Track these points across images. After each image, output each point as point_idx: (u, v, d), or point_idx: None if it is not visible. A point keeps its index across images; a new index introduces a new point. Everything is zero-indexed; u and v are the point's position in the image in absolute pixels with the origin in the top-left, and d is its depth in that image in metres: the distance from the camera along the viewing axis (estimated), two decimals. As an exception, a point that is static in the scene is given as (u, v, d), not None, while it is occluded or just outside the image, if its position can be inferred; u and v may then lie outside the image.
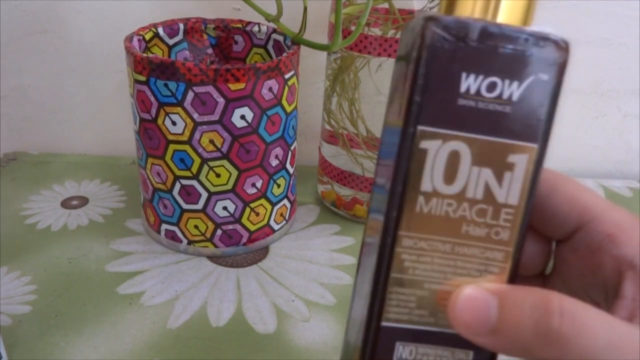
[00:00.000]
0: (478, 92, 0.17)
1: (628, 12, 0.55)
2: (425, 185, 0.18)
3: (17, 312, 0.37)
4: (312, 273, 0.43)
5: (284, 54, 0.40)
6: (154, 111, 0.39)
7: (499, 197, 0.18)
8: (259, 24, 0.46)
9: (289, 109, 0.42)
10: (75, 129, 0.60)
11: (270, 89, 0.39)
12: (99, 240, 0.45)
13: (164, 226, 0.44)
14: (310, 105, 0.58)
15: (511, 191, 0.18)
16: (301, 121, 0.58)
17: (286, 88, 0.41)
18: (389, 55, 0.42)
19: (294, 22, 0.44)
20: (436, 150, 0.18)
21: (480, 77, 0.17)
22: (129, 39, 0.41)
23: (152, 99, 0.39)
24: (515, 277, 0.19)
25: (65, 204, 0.50)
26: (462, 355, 0.19)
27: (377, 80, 0.43)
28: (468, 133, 0.17)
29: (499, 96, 0.17)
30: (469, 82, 0.17)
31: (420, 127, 0.17)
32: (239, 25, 0.47)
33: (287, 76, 0.41)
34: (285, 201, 0.46)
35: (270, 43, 0.46)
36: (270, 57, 0.47)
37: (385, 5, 0.41)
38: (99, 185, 0.53)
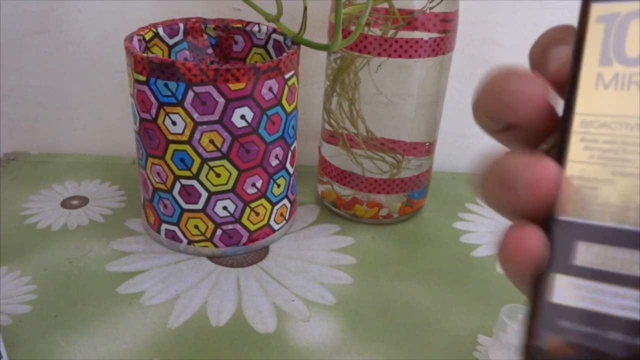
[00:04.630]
0: None
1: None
2: (604, 60, 0.16)
3: (17, 312, 0.37)
4: (312, 273, 0.43)
5: (284, 54, 0.40)
6: (154, 111, 0.39)
7: None
8: (259, 24, 0.46)
9: (289, 109, 0.42)
10: (75, 129, 0.60)
11: (270, 89, 0.39)
12: (99, 240, 0.45)
13: (164, 226, 0.44)
14: (310, 105, 0.58)
15: None
16: (301, 121, 0.58)
17: (286, 88, 0.41)
18: (389, 55, 0.42)
19: (294, 22, 0.44)
20: (613, 21, 0.16)
21: None
22: (129, 39, 0.41)
23: (152, 99, 0.39)
24: None
25: (65, 204, 0.50)
26: None
27: (377, 80, 0.43)
28: None
29: None
30: None
31: (593, 3, 0.16)
32: (239, 25, 0.47)
33: (287, 76, 0.41)
34: (285, 201, 0.46)
35: (270, 43, 0.46)
36: (270, 57, 0.47)
37: (385, 5, 0.41)
38: (99, 185, 0.53)
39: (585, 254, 0.16)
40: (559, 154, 0.16)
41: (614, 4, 0.16)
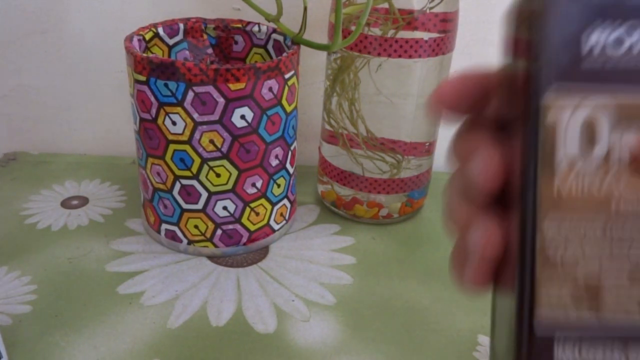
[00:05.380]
0: (603, 50, 0.15)
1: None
2: (560, 160, 0.16)
3: (17, 312, 0.38)
4: (312, 273, 0.43)
5: (284, 54, 0.40)
6: (154, 111, 0.39)
7: None
8: (259, 24, 0.46)
9: (289, 109, 0.42)
10: (75, 129, 0.60)
11: (270, 89, 0.39)
12: (99, 240, 0.45)
13: (164, 226, 0.44)
14: (310, 105, 0.58)
15: None
16: (301, 121, 0.58)
17: (286, 88, 0.41)
18: (389, 55, 0.42)
19: (294, 22, 0.44)
20: (567, 119, 0.16)
21: (604, 34, 0.15)
22: (129, 39, 0.42)
23: (152, 99, 0.39)
24: None
25: (65, 204, 0.50)
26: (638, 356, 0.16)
27: (377, 80, 0.43)
28: (600, 95, 0.15)
29: (629, 50, 0.15)
30: (592, 42, 0.15)
31: (546, 95, 0.16)
32: (239, 25, 0.47)
33: (287, 76, 0.41)
34: (285, 201, 0.46)
35: (270, 43, 0.46)
36: (270, 57, 0.47)
37: (385, 5, 0.41)
38: (99, 185, 0.53)
39: (564, 352, 0.16)
40: (524, 253, 0.16)
41: (567, 99, 0.16)
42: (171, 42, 0.46)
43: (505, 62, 0.18)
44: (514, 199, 0.17)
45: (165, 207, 0.43)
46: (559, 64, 0.15)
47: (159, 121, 0.39)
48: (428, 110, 0.19)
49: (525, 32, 0.16)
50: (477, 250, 0.18)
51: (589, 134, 0.16)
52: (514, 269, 0.17)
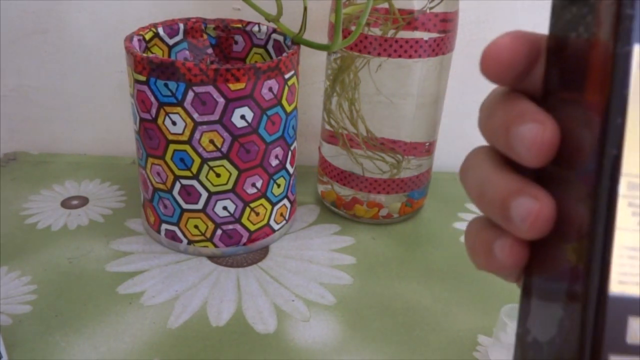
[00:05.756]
0: None
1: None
2: None
3: (17, 312, 0.38)
4: (312, 273, 0.43)
5: (284, 54, 0.40)
6: (154, 111, 0.39)
7: None
8: (259, 24, 0.46)
9: (289, 109, 0.42)
10: (75, 129, 0.60)
11: (270, 89, 0.39)
12: (99, 240, 0.45)
13: (164, 226, 0.44)
14: (310, 105, 0.58)
15: None
16: (301, 121, 0.58)
17: (286, 88, 0.41)
18: (389, 55, 0.42)
19: (294, 22, 0.44)
20: None
21: None
22: (129, 39, 0.42)
23: (152, 99, 0.39)
24: None
25: (65, 204, 0.50)
26: None
27: (377, 80, 0.43)
28: None
29: None
30: None
31: (637, 46, 0.14)
32: (239, 25, 0.47)
33: (287, 76, 0.41)
34: (285, 201, 0.46)
35: (270, 43, 0.46)
36: (270, 57, 0.47)
37: (385, 5, 0.41)
38: (99, 185, 0.53)
39: (638, 331, 0.15)
40: (599, 218, 0.15)
41: None
42: (171, 42, 0.46)
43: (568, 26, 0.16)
44: (573, 173, 0.15)
45: (165, 207, 0.43)
46: None
47: (159, 121, 0.39)
48: (481, 68, 0.17)
49: None
50: (527, 221, 0.16)
51: None
52: (581, 242, 0.15)
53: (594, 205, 0.15)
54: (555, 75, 0.17)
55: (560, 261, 0.16)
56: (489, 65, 0.17)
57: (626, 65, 0.14)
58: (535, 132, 0.15)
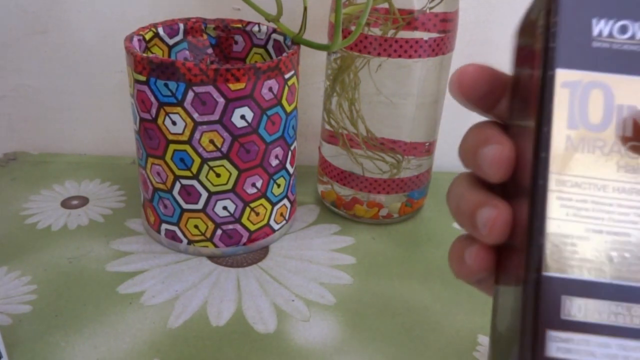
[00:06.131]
0: (610, 35, 0.18)
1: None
2: (571, 124, 0.17)
3: (17, 312, 0.38)
4: (312, 273, 0.43)
5: (284, 54, 0.40)
6: (154, 111, 0.39)
7: None
8: (259, 24, 0.46)
9: (289, 109, 0.42)
10: (75, 129, 0.60)
11: (270, 89, 0.39)
12: (99, 240, 0.45)
13: (164, 226, 0.44)
14: (310, 105, 0.58)
15: None
16: (301, 121, 0.58)
17: (286, 88, 0.41)
18: (389, 55, 0.42)
19: (294, 22, 0.44)
20: (576, 88, 0.18)
21: (611, 22, 0.18)
22: (129, 39, 0.42)
23: (152, 98, 0.39)
24: None
25: (65, 204, 0.50)
26: None
27: (377, 80, 0.43)
28: (606, 73, 0.18)
29: (632, 37, 0.18)
30: (600, 27, 0.18)
31: (558, 70, 0.18)
32: (239, 25, 0.47)
33: (287, 76, 0.41)
34: (285, 201, 0.46)
35: (270, 43, 0.46)
36: (270, 57, 0.47)
37: (385, 5, 0.41)
38: (99, 185, 0.53)
39: (571, 307, 0.17)
40: (535, 210, 0.17)
41: (577, 72, 0.18)
42: (171, 42, 0.46)
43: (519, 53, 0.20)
44: (523, 182, 0.18)
45: (165, 207, 0.43)
46: (569, 44, 0.18)
47: (159, 121, 0.39)
48: (449, 89, 0.21)
49: (542, 19, 0.18)
50: (487, 226, 0.19)
51: (596, 103, 0.18)
52: (523, 234, 0.18)
53: (532, 200, 0.17)
54: (513, 105, 0.20)
55: (513, 258, 0.19)
56: (453, 88, 0.21)
57: (549, 86, 0.18)
58: (495, 152, 0.19)
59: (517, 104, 0.20)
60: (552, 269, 0.17)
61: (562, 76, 0.18)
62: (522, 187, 0.18)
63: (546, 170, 0.17)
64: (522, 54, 0.20)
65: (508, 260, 0.19)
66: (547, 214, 0.17)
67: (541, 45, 0.18)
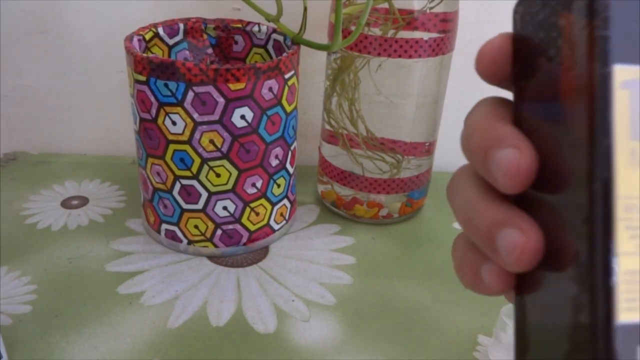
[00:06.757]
0: None
1: None
2: (634, 134, 0.14)
3: (17, 312, 0.38)
4: (312, 273, 0.43)
5: (284, 54, 0.40)
6: (154, 111, 0.39)
7: None
8: (259, 24, 0.46)
9: (289, 109, 0.42)
10: (75, 129, 0.60)
11: (270, 89, 0.39)
12: (99, 240, 0.45)
13: (164, 226, 0.44)
14: (310, 105, 0.58)
15: None
16: (301, 121, 0.58)
17: (286, 88, 0.41)
18: (389, 55, 0.42)
19: (294, 22, 0.44)
20: (637, 88, 0.14)
21: None
22: (129, 39, 0.42)
23: (152, 99, 0.39)
24: None
25: (65, 204, 0.50)
26: None
27: (377, 80, 0.43)
28: None
29: None
30: None
31: (617, 66, 0.14)
32: (239, 25, 0.47)
33: (287, 76, 0.41)
34: (285, 201, 0.46)
35: (270, 43, 0.46)
36: (270, 57, 0.47)
37: (385, 5, 0.41)
38: (99, 185, 0.53)
39: None
40: (597, 244, 0.14)
41: (636, 68, 0.14)
42: (171, 42, 0.46)
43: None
44: (565, 191, 0.15)
45: (165, 207, 0.43)
46: (624, 32, 0.14)
47: (159, 121, 0.39)
48: (475, 67, 0.17)
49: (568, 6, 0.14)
50: (513, 254, 0.15)
51: None
52: (581, 271, 0.14)
53: (591, 231, 0.14)
54: (522, 94, 0.16)
55: (556, 290, 0.15)
56: (482, 63, 0.17)
57: (607, 86, 0.14)
58: (511, 159, 0.15)
59: (535, 96, 0.16)
60: (626, 316, 0.14)
61: (621, 74, 0.14)
62: (559, 205, 0.15)
63: (610, 195, 0.14)
64: (540, 36, 0.16)
65: (545, 285, 0.16)
66: (616, 248, 0.14)
67: (585, 32, 0.14)
